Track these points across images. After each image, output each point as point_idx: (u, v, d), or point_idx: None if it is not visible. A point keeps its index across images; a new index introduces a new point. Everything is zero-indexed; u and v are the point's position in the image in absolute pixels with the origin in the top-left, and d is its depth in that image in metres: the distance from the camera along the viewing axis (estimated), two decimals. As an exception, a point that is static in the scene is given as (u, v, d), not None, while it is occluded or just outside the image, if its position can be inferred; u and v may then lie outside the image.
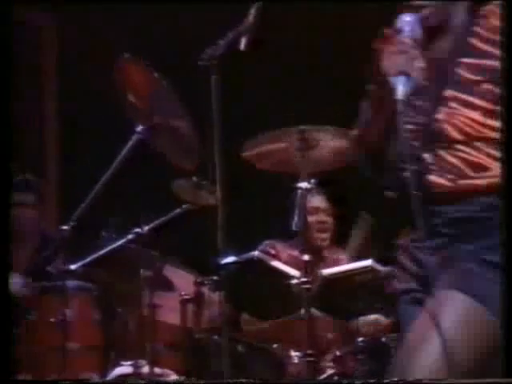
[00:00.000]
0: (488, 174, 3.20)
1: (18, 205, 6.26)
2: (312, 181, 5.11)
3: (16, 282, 5.89)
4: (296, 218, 5.23)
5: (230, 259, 5.16)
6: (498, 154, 3.24)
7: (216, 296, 5.22)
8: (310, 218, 5.92)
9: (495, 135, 3.23)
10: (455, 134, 3.20)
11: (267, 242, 6.10)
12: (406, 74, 3.14)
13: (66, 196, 6.56)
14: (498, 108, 3.25)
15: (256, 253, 5.28)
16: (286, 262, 5.57)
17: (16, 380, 3.78)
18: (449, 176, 3.19)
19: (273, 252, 5.84)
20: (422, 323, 3.30)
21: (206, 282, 5.33)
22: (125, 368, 5.34)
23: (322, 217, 6.22)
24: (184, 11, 6.73)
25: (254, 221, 6.76)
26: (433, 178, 3.20)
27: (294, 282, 5.11)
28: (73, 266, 5.10)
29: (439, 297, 3.22)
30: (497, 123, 3.24)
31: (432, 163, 3.22)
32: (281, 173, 5.37)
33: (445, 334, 3.18)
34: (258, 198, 6.99)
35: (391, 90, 3.18)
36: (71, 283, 5.45)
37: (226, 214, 5.19)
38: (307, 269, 5.00)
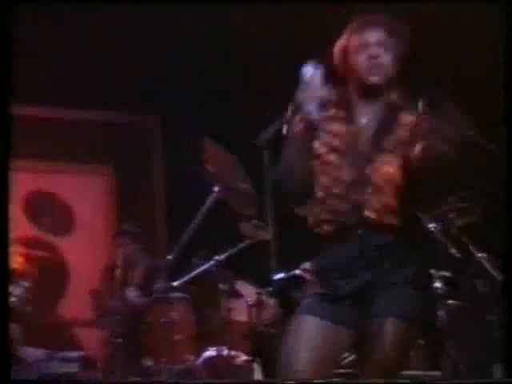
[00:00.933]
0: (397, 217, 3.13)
1: (119, 244, 6.25)
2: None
3: (131, 294, 5.94)
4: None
5: (280, 276, 5.11)
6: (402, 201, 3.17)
7: (271, 301, 5.29)
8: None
9: (403, 183, 3.16)
10: (378, 182, 3.12)
11: (306, 264, 6.08)
12: (321, 102, 3.07)
13: (169, 236, 6.53)
14: (410, 167, 3.16)
15: (297, 271, 5.14)
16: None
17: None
18: (374, 213, 3.12)
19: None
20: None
21: (264, 292, 5.27)
22: (211, 352, 5.33)
23: None
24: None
25: (296, 249, 6.63)
26: (367, 213, 3.10)
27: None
28: (175, 283, 5.17)
29: (379, 321, 3.10)
30: (404, 174, 3.15)
31: (363, 203, 3.12)
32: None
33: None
34: (299, 233, 6.91)
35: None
36: (175, 294, 5.54)
37: (276, 246, 5.46)
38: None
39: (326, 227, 3.19)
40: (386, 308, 3.08)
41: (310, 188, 3.21)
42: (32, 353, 5.82)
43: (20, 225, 6.70)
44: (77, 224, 7.16)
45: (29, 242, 6.53)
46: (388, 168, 3.13)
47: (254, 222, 5.23)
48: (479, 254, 4.92)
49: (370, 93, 3.21)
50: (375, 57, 3.11)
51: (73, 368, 5.72)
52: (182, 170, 6.22)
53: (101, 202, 7.31)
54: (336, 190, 3.17)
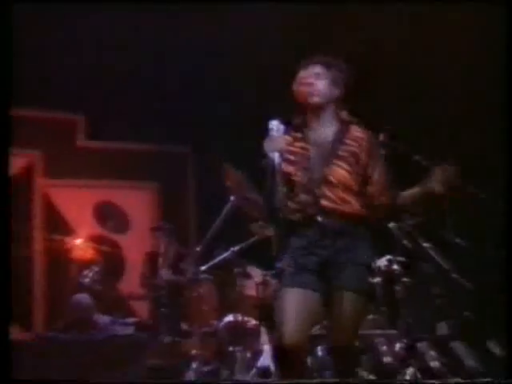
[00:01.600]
0: (349, 205, 3.15)
1: (157, 237, 6.30)
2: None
3: (164, 273, 6.01)
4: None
5: (280, 262, 5.32)
6: (353, 197, 3.16)
7: (273, 281, 5.24)
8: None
9: (354, 184, 3.18)
10: (333, 181, 3.15)
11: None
12: (279, 152, 3.12)
13: (199, 233, 6.43)
14: (358, 170, 3.19)
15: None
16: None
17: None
18: (330, 202, 3.15)
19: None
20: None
21: (268, 274, 5.26)
22: (229, 318, 5.27)
23: None
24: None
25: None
26: (323, 202, 3.15)
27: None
28: (203, 268, 5.28)
29: (341, 295, 3.09)
30: (355, 178, 3.19)
31: (321, 196, 3.15)
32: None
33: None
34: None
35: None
36: (203, 276, 5.54)
37: (277, 240, 4.96)
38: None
39: (295, 215, 3.20)
40: (344, 282, 3.08)
41: (284, 200, 3.22)
42: (101, 318, 5.87)
43: (90, 226, 6.80)
44: (131, 226, 7.15)
45: (97, 239, 6.60)
46: (341, 171, 3.18)
47: (261, 223, 5.19)
48: (425, 244, 4.94)
49: (319, 113, 3.23)
50: (311, 84, 3.18)
51: (130, 330, 5.80)
52: (208, 185, 6.09)
53: (148, 209, 7.22)
54: (299, 188, 3.20)
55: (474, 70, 5.35)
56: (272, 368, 4.72)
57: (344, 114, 3.28)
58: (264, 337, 5.06)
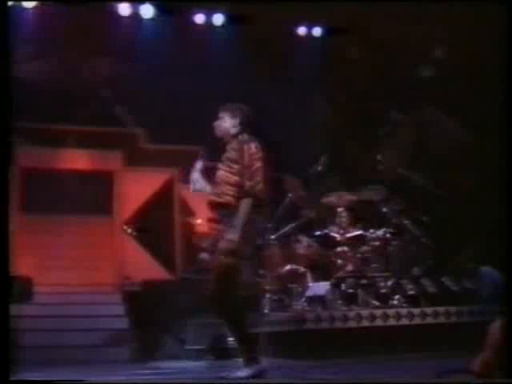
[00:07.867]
0: (225, 197, 3.11)
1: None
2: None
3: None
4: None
5: (318, 233, 5.53)
6: (233, 190, 3.06)
7: (315, 245, 5.45)
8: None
9: (232, 178, 3.09)
10: (218, 180, 3.16)
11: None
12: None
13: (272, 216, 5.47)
14: (238, 169, 3.05)
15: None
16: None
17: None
18: (214, 196, 3.17)
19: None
20: None
21: (310, 240, 5.40)
22: (288, 267, 5.25)
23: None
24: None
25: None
26: (211, 197, 3.16)
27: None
28: (273, 236, 5.33)
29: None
30: (233, 174, 3.09)
31: (212, 193, 3.14)
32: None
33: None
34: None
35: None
36: (273, 241, 5.37)
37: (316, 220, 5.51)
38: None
39: None
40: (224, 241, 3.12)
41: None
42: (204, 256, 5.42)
43: (206, 212, 5.89)
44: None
45: (209, 220, 5.07)
46: (221, 172, 3.20)
47: (307, 210, 5.50)
48: (405, 221, 5.56)
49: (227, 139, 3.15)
50: (216, 126, 3.20)
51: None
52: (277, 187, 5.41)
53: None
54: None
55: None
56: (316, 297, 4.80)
57: (244, 136, 3.20)
58: (309, 278, 5.21)
